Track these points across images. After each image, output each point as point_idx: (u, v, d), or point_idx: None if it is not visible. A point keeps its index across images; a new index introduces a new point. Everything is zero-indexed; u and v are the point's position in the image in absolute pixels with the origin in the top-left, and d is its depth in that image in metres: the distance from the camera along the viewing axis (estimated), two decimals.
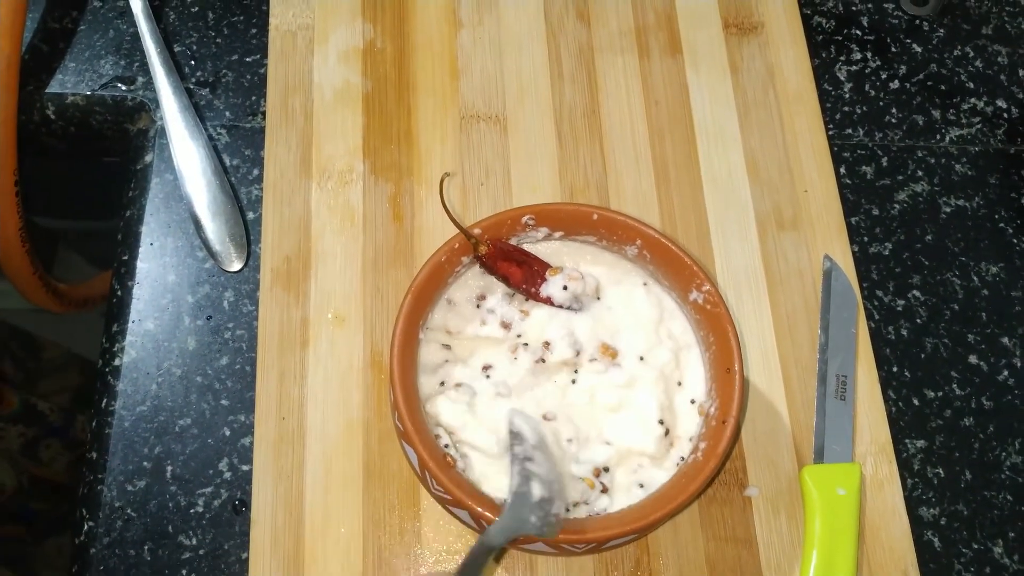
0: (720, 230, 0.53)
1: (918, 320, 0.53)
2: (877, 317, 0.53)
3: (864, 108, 0.59)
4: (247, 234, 0.52)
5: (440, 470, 0.41)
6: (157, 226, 0.52)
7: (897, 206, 0.56)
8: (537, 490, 0.39)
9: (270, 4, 0.57)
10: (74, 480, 0.77)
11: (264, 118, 0.54)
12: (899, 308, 0.54)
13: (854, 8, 0.62)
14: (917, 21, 0.62)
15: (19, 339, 0.83)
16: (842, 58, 0.60)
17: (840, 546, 0.45)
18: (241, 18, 0.58)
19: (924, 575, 0.47)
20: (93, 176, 0.75)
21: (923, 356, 0.52)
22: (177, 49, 0.57)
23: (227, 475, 0.47)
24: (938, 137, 0.58)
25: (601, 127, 0.56)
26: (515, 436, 0.41)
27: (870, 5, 0.62)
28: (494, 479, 0.43)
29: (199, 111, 0.54)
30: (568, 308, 0.47)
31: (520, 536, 0.39)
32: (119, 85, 0.55)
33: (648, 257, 0.48)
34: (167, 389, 0.48)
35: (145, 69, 0.55)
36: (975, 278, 0.55)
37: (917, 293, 0.54)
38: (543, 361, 0.45)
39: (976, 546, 0.48)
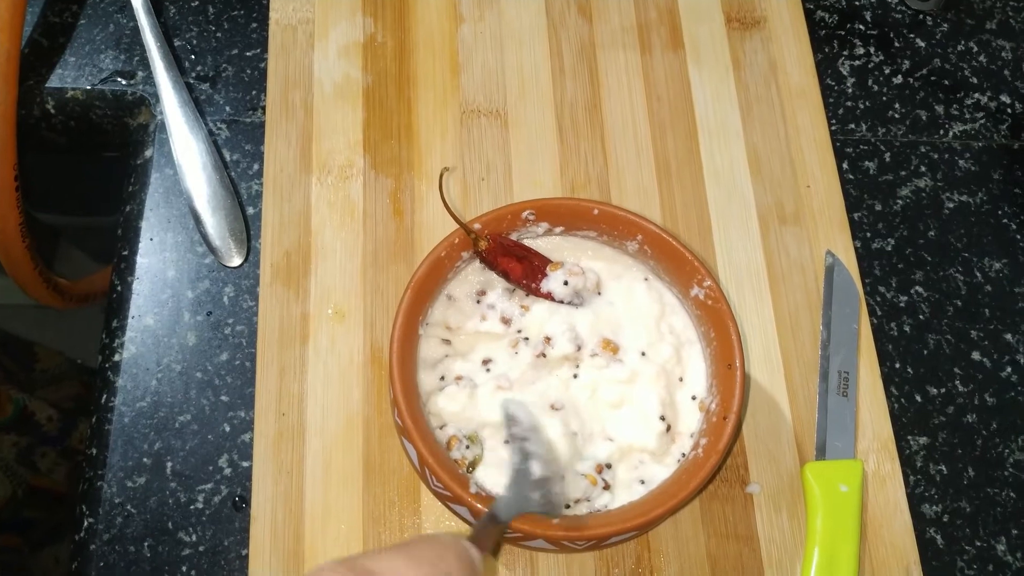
0: (722, 225, 0.53)
1: (921, 316, 0.53)
2: (879, 313, 0.53)
3: (867, 103, 0.58)
4: (247, 229, 0.52)
5: (439, 466, 0.41)
6: (157, 221, 0.52)
7: (900, 201, 0.56)
8: (536, 468, 0.39)
9: None
10: (73, 489, 0.76)
11: (264, 113, 0.54)
12: (901, 304, 0.53)
13: (857, 3, 0.62)
14: (920, 16, 0.62)
15: (14, 347, 0.82)
16: (845, 53, 0.60)
17: (842, 543, 0.45)
18: (241, 12, 0.58)
19: (926, 572, 0.47)
20: (93, 171, 0.75)
21: (926, 352, 0.52)
22: (177, 43, 0.56)
23: (227, 471, 0.47)
24: (941, 132, 0.58)
25: (602, 122, 0.55)
26: (510, 419, 0.42)
27: (873, 0, 0.62)
28: (493, 472, 0.43)
29: (199, 106, 0.54)
30: (569, 303, 0.47)
31: (525, 513, 0.39)
32: (119, 80, 0.55)
33: (649, 252, 0.47)
34: (167, 385, 0.48)
35: (145, 64, 0.55)
36: (978, 274, 0.54)
37: (920, 289, 0.54)
38: (544, 356, 0.45)
39: (979, 543, 0.48)
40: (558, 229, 0.48)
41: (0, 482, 0.73)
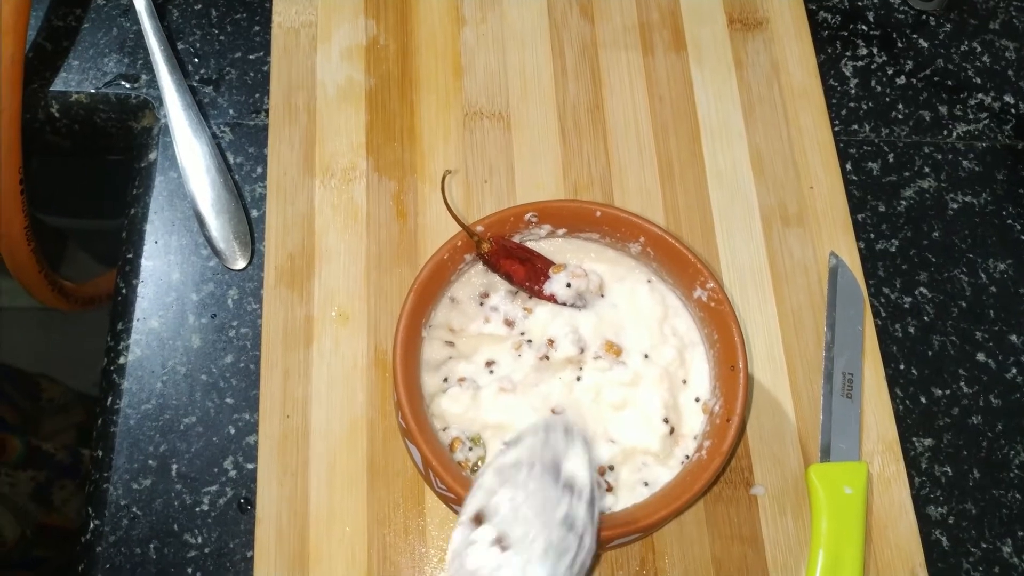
0: (725, 226, 0.53)
1: (925, 317, 0.53)
2: (884, 314, 0.53)
3: (870, 104, 0.58)
4: (251, 232, 0.52)
5: (443, 468, 0.41)
6: (161, 224, 0.52)
7: (904, 202, 0.56)
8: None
9: (273, 1, 0.57)
10: (83, 526, 0.76)
11: (267, 116, 0.54)
12: (906, 305, 0.53)
13: (860, 3, 0.62)
14: (923, 16, 0.62)
15: (20, 381, 0.82)
16: (848, 53, 0.60)
17: (847, 545, 0.45)
18: (244, 15, 0.58)
19: (932, 574, 0.47)
20: (98, 174, 0.75)
21: (930, 354, 0.52)
22: (180, 47, 0.57)
23: (232, 473, 0.47)
24: (945, 133, 0.58)
25: (605, 124, 0.55)
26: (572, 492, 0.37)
27: (875, 0, 0.62)
28: None
29: (203, 109, 0.54)
30: (572, 306, 0.47)
31: None
32: (123, 83, 0.55)
33: (652, 254, 0.47)
34: (172, 387, 0.48)
35: (149, 67, 0.55)
36: (983, 275, 0.54)
37: (924, 290, 0.54)
38: (547, 358, 0.45)
39: (985, 545, 0.48)
40: (561, 231, 0.48)
41: (9, 523, 0.73)
